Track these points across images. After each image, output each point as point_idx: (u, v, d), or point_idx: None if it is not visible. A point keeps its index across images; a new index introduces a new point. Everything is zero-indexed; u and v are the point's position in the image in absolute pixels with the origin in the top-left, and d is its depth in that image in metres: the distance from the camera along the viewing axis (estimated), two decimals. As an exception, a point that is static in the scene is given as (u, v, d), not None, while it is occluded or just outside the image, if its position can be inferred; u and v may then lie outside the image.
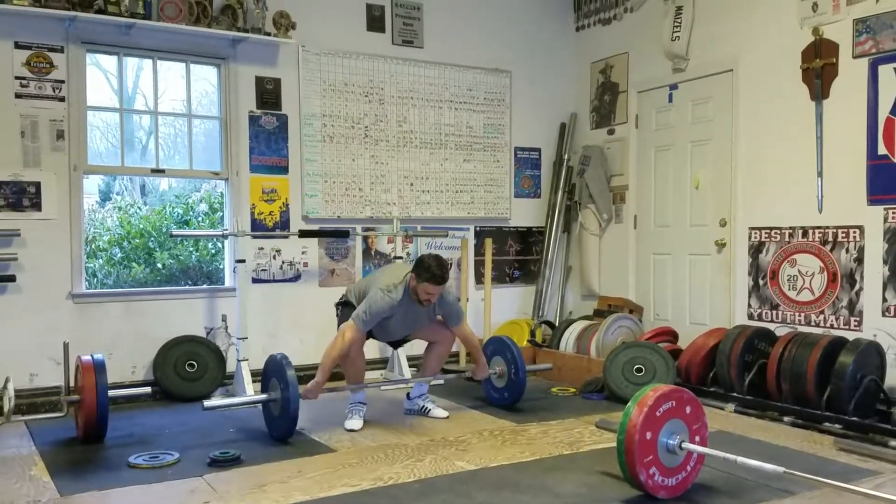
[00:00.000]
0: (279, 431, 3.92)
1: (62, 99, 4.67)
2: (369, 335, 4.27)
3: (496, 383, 4.73)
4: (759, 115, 4.98)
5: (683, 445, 2.97)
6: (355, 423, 4.15)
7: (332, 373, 4.11)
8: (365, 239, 5.67)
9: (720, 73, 5.22)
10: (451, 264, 5.95)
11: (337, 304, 4.48)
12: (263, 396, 4.02)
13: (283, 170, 5.36)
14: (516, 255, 6.37)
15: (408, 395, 4.55)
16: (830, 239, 4.58)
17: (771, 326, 4.80)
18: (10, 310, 4.54)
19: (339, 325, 4.29)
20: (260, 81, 5.26)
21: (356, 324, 4.06)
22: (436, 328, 4.41)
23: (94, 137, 6.79)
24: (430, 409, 4.43)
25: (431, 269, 4.00)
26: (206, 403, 3.94)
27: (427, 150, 5.89)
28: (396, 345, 4.78)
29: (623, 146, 6.04)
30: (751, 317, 5.01)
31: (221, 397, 4.76)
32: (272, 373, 4.00)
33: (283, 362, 3.91)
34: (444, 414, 4.39)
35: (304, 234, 5.29)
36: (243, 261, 4.94)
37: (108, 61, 5.15)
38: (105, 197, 7.51)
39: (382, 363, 5.56)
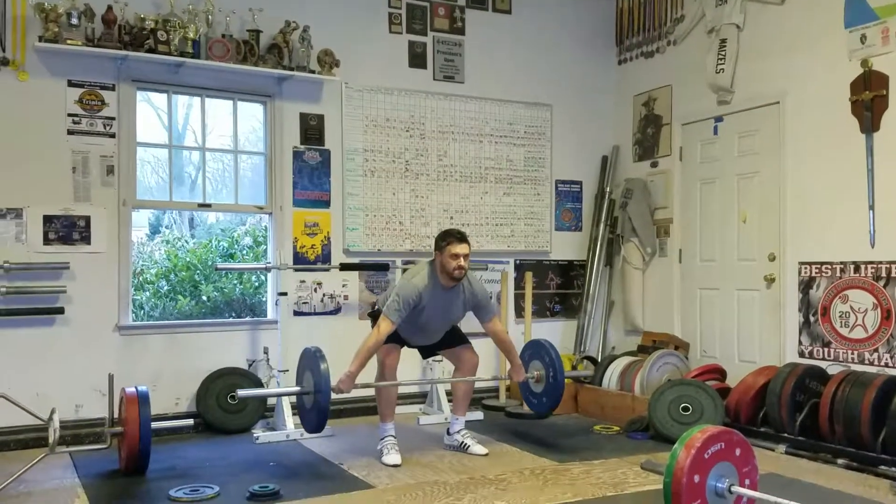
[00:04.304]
0: (311, 424, 3.95)
1: (113, 135, 4.80)
2: (404, 343, 4.26)
3: (534, 388, 4.59)
4: (808, 147, 4.88)
5: (733, 489, 2.86)
6: (395, 458, 4.12)
7: (365, 365, 4.08)
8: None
9: (767, 105, 5.14)
10: (492, 297, 5.97)
11: (369, 314, 4.54)
12: (296, 389, 4.05)
13: (326, 204, 5.42)
14: (557, 289, 6.30)
15: (448, 430, 4.50)
16: (884, 274, 4.43)
17: (823, 364, 4.64)
18: (58, 341, 4.63)
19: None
20: (304, 118, 5.34)
21: (389, 316, 4.04)
22: (459, 351, 4.39)
23: (144, 172, 6.98)
24: (469, 446, 4.37)
25: (448, 231, 4.19)
26: (241, 393, 4.13)
27: (467, 183, 5.90)
28: (428, 352, 4.65)
29: (667, 179, 5.97)
30: (802, 354, 4.86)
31: (263, 430, 4.77)
32: (306, 366, 4.02)
33: (317, 355, 3.94)
34: (484, 451, 4.33)
35: (344, 267, 5.32)
36: (285, 293, 4.98)
37: (159, 98, 5.29)
38: (155, 230, 7.69)
39: (421, 397, 5.52)
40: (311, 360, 3.97)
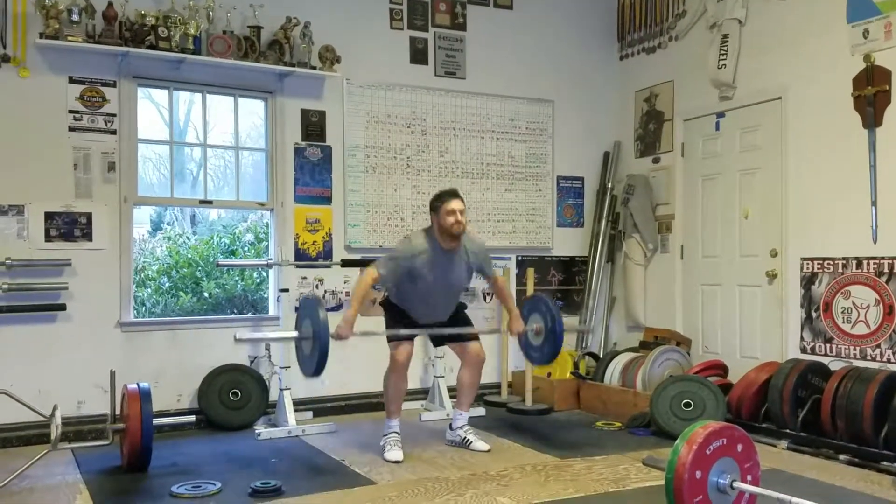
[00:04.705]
0: (310, 369, 3.97)
1: (114, 132, 4.79)
2: (413, 328, 4.22)
3: (534, 341, 4.55)
4: (810, 143, 4.87)
5: (735, 485, 2.86)
6: (396, 454, 4.12)
7: (362, 308, 4.15)
8: (407, 269, 5.67)
9: (769, 100, 5.13)
10: (493, 294, 5.96)
11: (381, 303, 4.49)
12: (295, 334, 4.07)
13: (327, 200, 5.41)
14: (559, 285, 6.30)
15: (450, 425, 4.50)
16: (886, 270, 4.42)
17: (825, 360, 4.64)
18: (60, 338, 4.63)
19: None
20: (305, 114, 5.33)
21: (377, 267, 4.10)
22: (467, 345, 4.37)
23: (146, 168, 6.98)
24: (471, 442, 4.36)
25: (441, 191, 4.21)
26: (238, 335, 4.17)
27: (469, 179, 5.89)
28: (437, 340, 4.61)
29: (668, 175, 5.96)
30: (804, 350, 4.85)
31: (265, 426, 4.78)
32: (305, 312, 4.05)
33: (315, 302, 3.99)
34: (486, 447, 4.33)
35: (346, 263, 5.31)
36: (287, 290, 4.97)
37: (160, 95, 5.28)
38: (156, 226, 7.69)
39: (423, 393, 5.52)
40: (310, 307, 3.99)
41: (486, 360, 4.47)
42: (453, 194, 4.17)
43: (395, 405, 4.29)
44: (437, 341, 4.69)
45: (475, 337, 4.44)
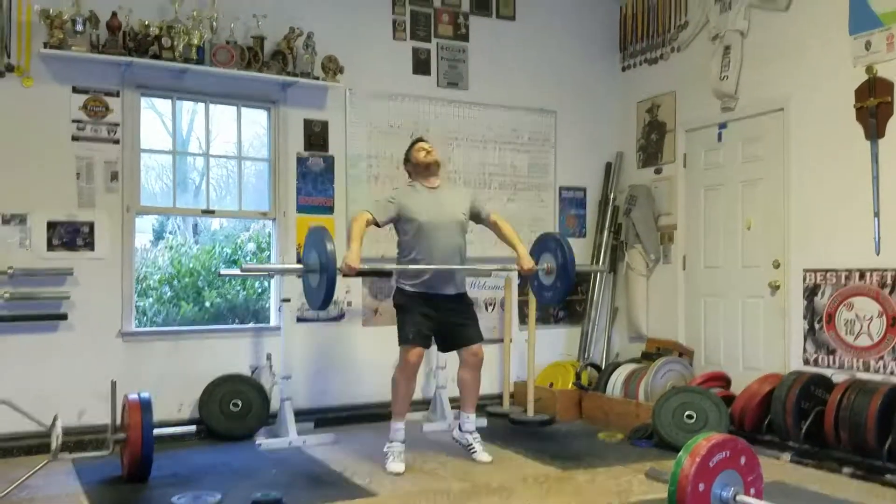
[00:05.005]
0: (317, 301, 4.00)
1: (117, 141, 4.80)
2: (426, 319, 4.16)
3: (545, 281, 4.47)
4: (812, 154, 4.87)
5: (738, 498, 2.84)
6: (398, 466, 4.10)
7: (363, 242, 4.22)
8: (409, 279, 5.66)
9: (771, 111, 5.13)
10: (495, 304, 5.96)
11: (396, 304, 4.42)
12: (300, 266, 4.11)
13: (329, 210, 5.41)
14: (562, 296, 6.28)
15: (459, 426, 4.48)
16: (889, 282, 4.41)
17: (828, 372, 4.62)
18: (62, 347, 4.62)
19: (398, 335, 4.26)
20: (308, 124, 5.34)
21: (367, 210, 4.28)
22: (472, 347, 4.30)
23: (149, 177, 7.01)
24: (475, 451, 4.34)
25: (410, 146, 4.46)
26: (244, 266, 4.33)
27: (471, 189, 5.88)
28: (442, 343, 4.45)
29: (671, 185, 5.96)
30: (807, 362, 4.84)
31: (266, 437, 4.76)
32: (312, 244, 4.05)
33: (322, 231, 4.01)
34: (488, 458, 4.30)
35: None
36: (288, 300, 4.97)
37: (164, 104, 5.30)
38: (159, 235, 7.70)
39: (425, 404, 5.51)
40: (317, 238, 4.00)
41: (483, 359, 4.40)
42: (420, 139, 4.52)
43: (402, 406, 4.26)
44: (445, 346, 4.54)
45: (481, 338, 4.39)
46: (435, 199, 4.31)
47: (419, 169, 4.36)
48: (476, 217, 4.49)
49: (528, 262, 4.36)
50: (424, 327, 4.21)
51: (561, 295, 4.45)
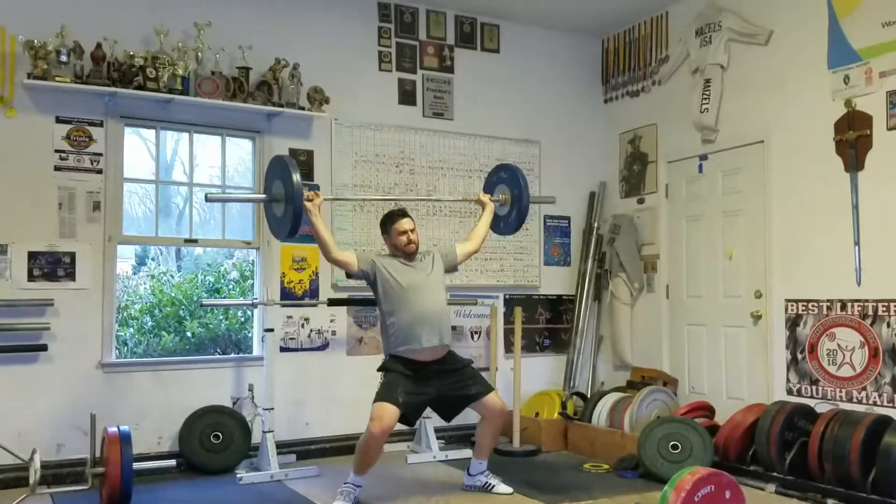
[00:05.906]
0: (284, 231, 3.94)
1: (100, 171, 4.78)
2: (412, 389, 4.00)
3: (500, 212, 4.65)
4: (793, 185, 4.93)
5: (723, 533, 2.84)
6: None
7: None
8: (394, 308, 5.64)
9: (751, 143, 5.20)
10: (481, 332, 5.95)
11: (378, 369, 4.27)
12: (264, 196, 4.06)
13: (314, 239, 5.38)
14: (546, 324, 6.29)
15: (468, 470, 4.42)
16: (870, 312, 4.45)
17: (811, 402, 4.64)
18: (41, 379, 4.56)
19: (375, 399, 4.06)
20: (293, 153, 5.35)
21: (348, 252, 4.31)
22: (485, 401, 4.17)
23: (132, 203, 6.95)
24: (493, 486, 4.31)
25: (390, 210, 4.37)
26: (209, 195, 4.17)
27: (457, 218, 5.91)
28: (446, 413, 4.31)
29: (653, 215, 6.00)
30: (790, 392, 4.86)
31: (247, 470, 4.70)
32: (276, 173, 4.00)
33: (286, 160, 3.94)
34: (509, 490, 4.28)
35: (332, 302, 5.29)
36: (272, 330, 4.93)
37: (148, 131, 5.28)
38: (141, 261, 7.62)
39: (410, 435, 5.46)
40: (281, 166, 3.94)
41: (505, 410, 4.27)
42: (402, 213, 4.32)
43: (363, 467, 4.00)
44: (446, 413, 4.31)
45: (491, 388, 4.28)
46: (413, 268, 4.25)
47: (398, 250, 4.27)
48: (452, 265, 4.46)
49: (484, 196, 4.60)
50: (413, 398, 4.03)
51: (516, 225, 4.60)
